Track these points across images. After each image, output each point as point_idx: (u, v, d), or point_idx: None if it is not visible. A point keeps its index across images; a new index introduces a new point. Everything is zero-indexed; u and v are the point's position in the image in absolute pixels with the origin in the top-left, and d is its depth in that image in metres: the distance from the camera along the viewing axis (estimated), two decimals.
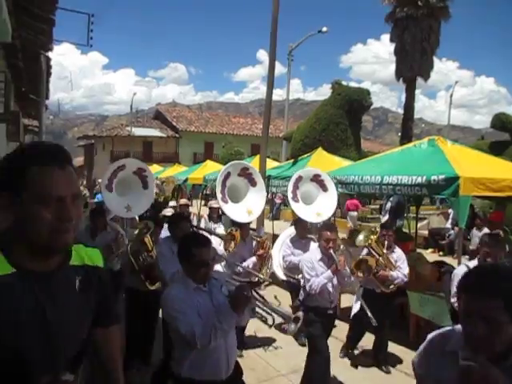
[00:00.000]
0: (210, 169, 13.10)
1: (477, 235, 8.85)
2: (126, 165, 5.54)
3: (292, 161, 9.66)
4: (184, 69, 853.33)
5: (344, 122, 20.99)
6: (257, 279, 5.42)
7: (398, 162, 6.25)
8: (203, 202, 12.27)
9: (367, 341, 5.46)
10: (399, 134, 29.63)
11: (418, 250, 8.07)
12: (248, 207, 5.52)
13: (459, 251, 5.84)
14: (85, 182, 32.96)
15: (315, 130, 21.18)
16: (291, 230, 6.35)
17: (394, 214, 11.89)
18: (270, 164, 10.33)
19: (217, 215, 8.72)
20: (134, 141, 35.29)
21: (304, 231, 6.00)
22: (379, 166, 6.37)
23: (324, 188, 6.31)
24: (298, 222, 6.15)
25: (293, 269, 5.70)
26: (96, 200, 14.05)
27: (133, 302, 4.67)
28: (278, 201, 21.80)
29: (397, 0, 23.98)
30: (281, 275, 6.14)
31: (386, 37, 28.34)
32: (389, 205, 12.41)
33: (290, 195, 6.04)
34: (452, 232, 12.24)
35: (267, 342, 5.75)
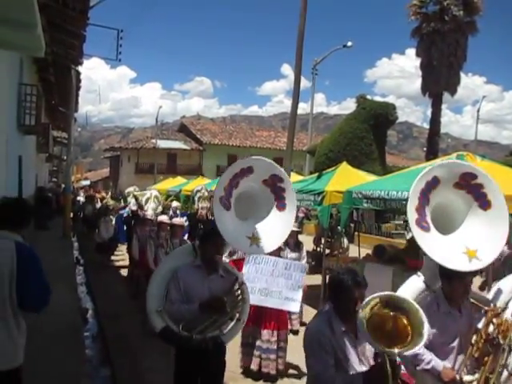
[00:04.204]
0: None
1: (505, 252, 8.59)
2: (254, 168, 3.44)
3: (316, 175, 9.61)
4: (209, 82, 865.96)
5: (369, 136, 20.87)
6: None
7: None
8: None
9: None
10: (424, 148, 29.28)
11: None
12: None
13: (488, 268, 5.67)
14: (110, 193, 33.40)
15: (339, 143, 21.10)
16: (416, 284, 3.51)
17: None
18: (294, 178, 10.33)
19: (294, 240, 6.50)
20: (158, 153, 35.77)
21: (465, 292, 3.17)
22: (406, 181, 6.26)
23: (483, 202, 3.22)
24: (450, 278, 3.13)
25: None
26: (126, 214, 12.49)
27: None
28: (300, 214, 21.75)
29: (423, 15, 23.89)
30: None
31: (410, 51, 28.18)
32: None
33: (412, 216, 3.07)
34: None
35: None
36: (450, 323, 3.04)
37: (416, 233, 3.02)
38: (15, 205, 3.21)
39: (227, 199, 3.32)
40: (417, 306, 2.46)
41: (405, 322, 2.39)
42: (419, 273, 3.53)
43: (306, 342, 2.68)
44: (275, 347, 4.93)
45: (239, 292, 3.49)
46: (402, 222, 19.98)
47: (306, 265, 4.88)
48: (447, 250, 3.04)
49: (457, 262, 2.99)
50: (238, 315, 3.47)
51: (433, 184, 3.10)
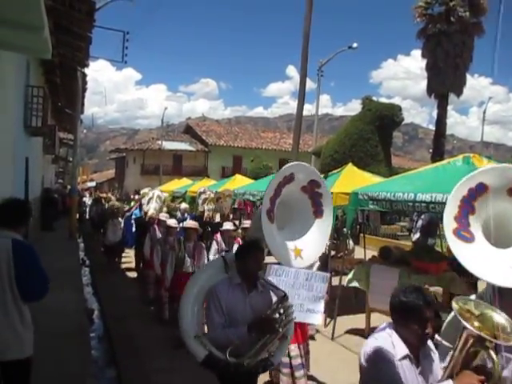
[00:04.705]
0: (238, 183, 13.15)
1: None
2: (295, 174, 3.32)
3: (322, 176, 9.58)
4: (215, 84, 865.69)
5: (374, 137, 20.84)
6: None
7: (432, 179, 6.11)
8: (231, 216, 12.25)
9: None
10: (430, 150, 29.18)
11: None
12: None
13: None
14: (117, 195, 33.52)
15: (345, 145, 21.09)
16: None
17: (426, 232, 11.62)
18: None
19: None
20: (164, 154, 35.88)
21: None
22: (412, 182, 6.25)
23: None
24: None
25: None
26: (134, 216, 11.99)
27: None
28: None
29: (429, 16, 23.81)
30: None
31: (416, 52, 28.15)
32: (420, 223, 12.13)
33: (450, 225, 2.92)
34: None
35: None
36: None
37: (452, 243, 2.77)
38: (13, 205, 3.32)
39: (272, 211, 3.11)
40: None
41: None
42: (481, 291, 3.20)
43: (368, 358, 2.35)
44: (302, 362, 4.58)
45: (283, 308, 3.11)
46: (407, 224, 19.90)
47: (328, 274, 4.45)
48: (493, 263, 2.70)
49: (500, 277, 2.62)
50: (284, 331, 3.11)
51: (478, 191, 2.80)
